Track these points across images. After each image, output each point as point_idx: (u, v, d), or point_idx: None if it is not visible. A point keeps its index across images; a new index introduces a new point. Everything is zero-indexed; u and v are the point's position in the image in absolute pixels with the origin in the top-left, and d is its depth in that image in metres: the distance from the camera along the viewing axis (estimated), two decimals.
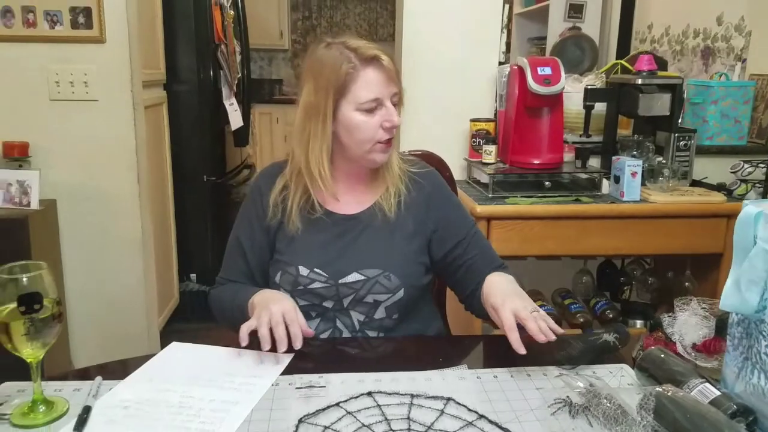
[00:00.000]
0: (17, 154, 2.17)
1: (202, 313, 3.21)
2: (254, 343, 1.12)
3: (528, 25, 4.70)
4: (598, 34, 3.96)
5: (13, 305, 0.85)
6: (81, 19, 2.18)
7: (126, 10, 2.22)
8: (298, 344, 1.10)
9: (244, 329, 1.11)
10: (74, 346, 2.46)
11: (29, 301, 0.84)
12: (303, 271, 1.27)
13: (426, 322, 1.39)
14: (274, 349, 1.09)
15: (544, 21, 4.18)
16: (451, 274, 1.37)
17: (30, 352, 0.88)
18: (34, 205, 2.14)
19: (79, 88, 2.24)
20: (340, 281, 1.26)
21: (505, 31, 2.64)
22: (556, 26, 3.98)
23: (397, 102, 1.27)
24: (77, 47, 2.21)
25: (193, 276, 3.25)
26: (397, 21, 2.53)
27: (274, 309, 1.12)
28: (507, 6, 2.41)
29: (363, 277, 1.26)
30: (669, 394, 0.85)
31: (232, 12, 3.37)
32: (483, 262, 1.32)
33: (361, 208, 1.32)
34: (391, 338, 1.29)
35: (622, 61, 2.53)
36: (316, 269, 1.27)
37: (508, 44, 5.06)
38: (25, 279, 0.86)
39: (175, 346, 1.15)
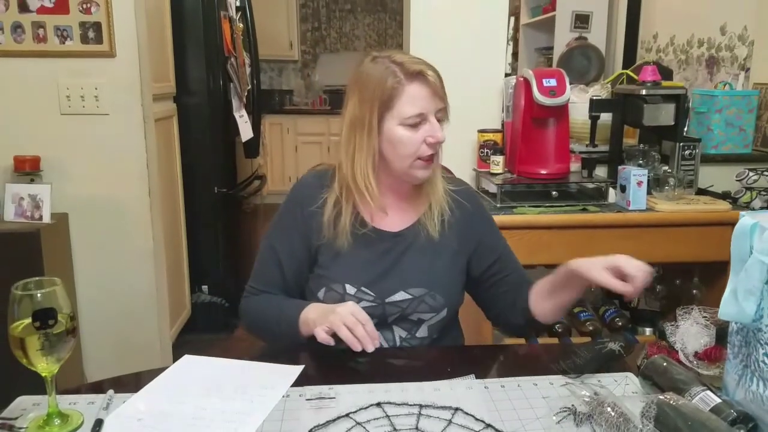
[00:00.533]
0: (29, 168, 2.20)
1: (213, 324, 3.24)
2: (264, 355, 1.13)
3: (535, 35, 4.74)
4: (604, 43, 3.99)
5: (28, 321, 0.87)
6: (91, 34, 2.22)
7: (135, 24, 2.25)
8: (376, 342, 1.13)
9: (321, 333, 1.14)
10: (87, 359, 2.48)
11: (44, 317, 0.86)
12: (350, 289, 1.27)
13: (455, 340, 1.41)
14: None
15: (551, 31, 4.22)
16: (483, 291, 1.39)
17: (45, 366, 0.90)
18: (46, 218, 2.17)
19: (90, 102, 2.27)
20: (386, 300, 1.27)
21: (511, 42, 2.65)
22: (563, 36, 4.01)
23: (442, 117, 1.26)
24: (88, 62, 2.25)
25: (205, 287, 3.28)
26: (405, 33, 2.56)
27: (342, 311, 1.13)
28: (513, 18, 2.43)
29: (409, 296, 1.27)
30: (671, 402, 0.86)
31: (241, 25, 3.41)
32: (515, 279, 1.35)
33: (405, 225, 1.32)
34: (401, 349, 1.30)
35: (628, 71, 2.55)
36: (363, 288, 1.27)
37: (515, 54, 5.09)
38: (39, 295, 0.87)
39: (187, 359, 1.17)
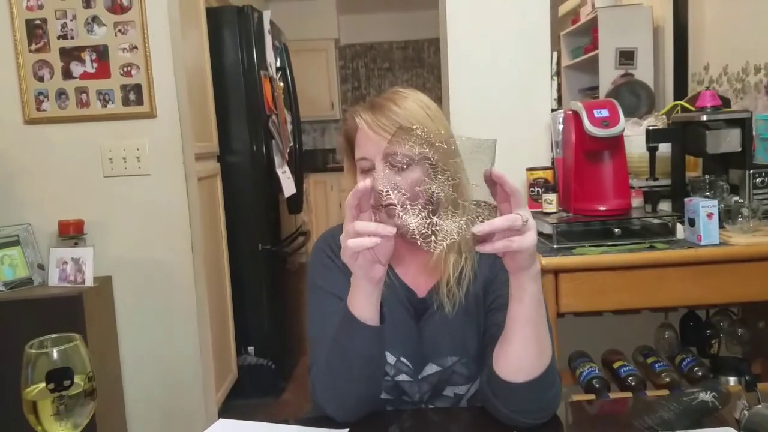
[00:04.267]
0: (72, 232, 2.19)
1: (261, 388, 3.13)
2: (309, 418, 1.02)
3: (578, 76, 4.66)
4: (652, 78, 3.87)
5: (43, 385, 0.78)
6: (132, 96, 2.23)
7: (175, 84, 2.26)
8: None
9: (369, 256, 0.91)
10: (131, 425, 2.40)
11: (58, 378, 0.77)
12: (390, 358, 1.10)
13: None
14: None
15: (595, 71, 4.12)
16: None
17: None
18: (89, 282, 2.14)
19: (132, 163, 2.27)
20: (419, 376, 1.12)
21: (555, 79, 2.58)
22: (608, 74, 3.92)
23: (406, 164, 0.99)
24: (129, 123, 2.26)
25: (251, 349, 3.18)
26: (443, 77, 2.51)
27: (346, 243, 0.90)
28: (556, 53, 2.35)
29: (438, 368, 1.12)
30: None
31: (281, 84, 3.43)
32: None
33: (429, 286, 1.15)
34: (455, 408, 1.15)
35: (682, 102, 2.41)
36: (402, 358, 1.11)
37: (558, 98, 5.00)
38: (55, 353, 0.79)
39: (221, 423, 1.06)
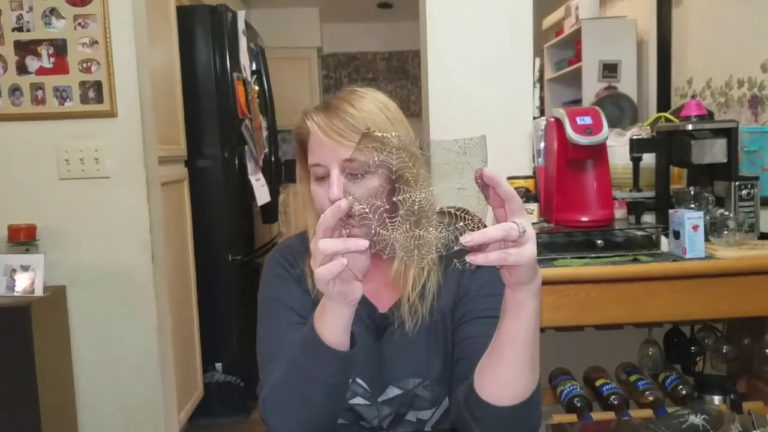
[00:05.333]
0: (23, 238, 2.06)
1: (229, 406, 2.98)
2: None
3: (561, 89, 4.63)
4: (635, 92, 3.84)
5: None
6: (91, 94, 2.11)
7: (138, 82, 2.14)
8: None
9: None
10: None
11: None
12: None
13: None
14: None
15: (578, 84, 4.09)
16: None
17: None
18: (39, 291, 2.00)
19: (90, 165, 2.14)
20: (379, 399, 1.03)
21: (536, 86, 2.51)
22: (591, 87, 3.89)
23: (361, 172, 0.92)
24: (88, 123, 2.14)
25: (219, 365, 3.03)
26: (423, 85, 2.43)
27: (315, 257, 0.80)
28: (538, 59, 2.31)
29: (399, 391, 1.02)
30: None
31: (256, 87, 3.33)
32: (481, 350, 0.88)
33: (391, 302, 1.05)
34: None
35: (666, 114, 2.36)
36: (358, 379, 1.02)
37: (541, 111, 4.96)
38: None
39: None
